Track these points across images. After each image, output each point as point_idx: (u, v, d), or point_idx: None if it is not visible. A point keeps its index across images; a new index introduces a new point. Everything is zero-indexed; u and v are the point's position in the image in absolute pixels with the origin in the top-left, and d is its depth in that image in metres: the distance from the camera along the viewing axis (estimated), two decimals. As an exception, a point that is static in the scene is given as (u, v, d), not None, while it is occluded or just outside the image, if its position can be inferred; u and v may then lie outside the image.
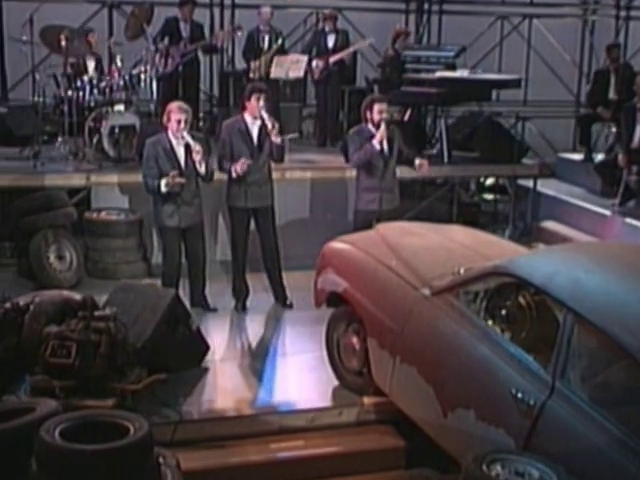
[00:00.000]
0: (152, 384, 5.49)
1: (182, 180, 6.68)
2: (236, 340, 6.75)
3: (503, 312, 4.86)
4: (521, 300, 4.84)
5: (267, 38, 10.37)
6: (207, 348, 6.21)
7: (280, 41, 10.30)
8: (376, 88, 10.58)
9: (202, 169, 6.80)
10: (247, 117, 7.08)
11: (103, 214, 8.29)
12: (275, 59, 9.87)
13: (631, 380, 4.03)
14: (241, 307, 7.32)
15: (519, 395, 4.29)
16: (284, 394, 5.76)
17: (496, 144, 10.23)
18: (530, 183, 10.16)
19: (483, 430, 4.50)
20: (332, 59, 10.32)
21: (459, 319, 4.79)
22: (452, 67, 10.69)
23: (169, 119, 6.74)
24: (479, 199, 11.11)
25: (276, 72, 9.91)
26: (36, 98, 9.38)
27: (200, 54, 10.49)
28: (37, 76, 9.35)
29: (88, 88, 9.15)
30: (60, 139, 9.22)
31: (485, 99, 10.59)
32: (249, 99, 7.05)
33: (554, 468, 3.84)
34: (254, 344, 6.70)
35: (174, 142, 6.77)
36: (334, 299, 5.79)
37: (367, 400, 5.59)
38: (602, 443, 3.91)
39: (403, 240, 5.76)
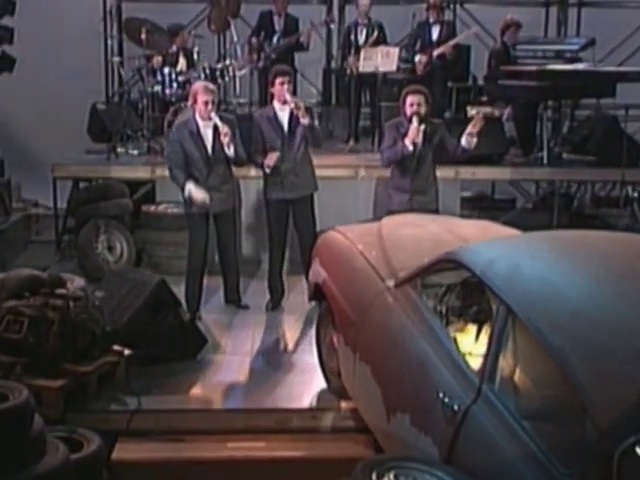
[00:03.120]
0: (126, 370, 5.49)
1: (206, 198, 6.62)
2: (248, 338, 6.56)
3: (458, 306, 4.43)
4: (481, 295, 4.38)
5: (364, 32, 10.19)
6: (204, 341, 6.13)
7: (376, 33, 10.06)
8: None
9: (231, 151, 6.69)
10: (275, 104, 6.98)
11: (161, 207, 8.43)
12: (362, 52, 9.66)
13: (553, 387, 3.54)
14: (272, 306, 7.17)
15: (446, 399, 3.88)
16: (260, 392, 5.57)
17: (612, 147, 9.43)
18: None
19: (415, 438, 4.11)
20: (435, 52, 9.96)
21: (410, 312, 4.42)
22: (576, 62, 10.04)
23: (195, 101, 6.73)
24: (595, 210, 10.29)
25: (365, 66, 9.66)
26: (126, 93, 9.80)
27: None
28: (122, 72, 9.73)
29: (168, 82, 9.39)
30: (139, 134, 9.52)
31: (605, 95, 9.79)
32: (273, 84, 6.96)
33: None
34: (264, 343, 6.54)
35: (201, 124, 6.72)
36: (320, 293, 5.53)
37: (345, 405, 5.27)
38: (517, 459, 3.44)
39: (397, 231, 5.42)
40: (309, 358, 5.88)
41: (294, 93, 7.04)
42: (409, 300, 4.49)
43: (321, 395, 5.51)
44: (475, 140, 6.71)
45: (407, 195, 6.77)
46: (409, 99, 6.67)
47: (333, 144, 10.16)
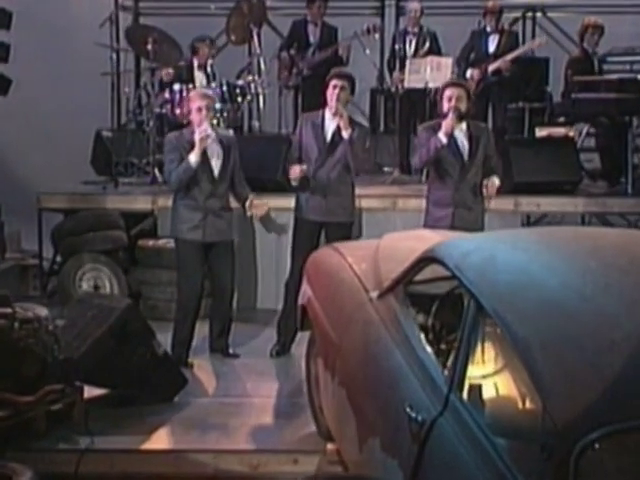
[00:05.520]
0: (84, 409, 5.83)
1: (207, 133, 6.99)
2: (238, 382, 6.93)
3: (443, 316, 4.66)
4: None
5: (414, 42, 10.53)
6: (183, 382, 6.44)
7: (427, 44, 10.39)
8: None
9: None
10: (327, 111, 7.35)
11: (161, 242, 8.83)
12: (408, 64, 9.98)
13: (521, 389, 3.75)
14: (278, 350, 7.45)
15: (412, 413, 4.09)
16: (236, 434, 5.85)
17: None
18: None
19: (382, 465, 4.32)
20: (490, 67, 10.22)
21: (389, 324, 4.67)
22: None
23: (189, 110, 7.19)
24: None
25: (411, 80, 9.99)
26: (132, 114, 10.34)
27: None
28: (126, 89, 10.29)
29: (178, 100, 9.79)
30: (144, 161, 10.01)
31: None
32: (327, 86, 7.34)
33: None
34: (255, 388, 6.85)
35: (197, 137, 7.09)
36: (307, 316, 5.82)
37: (331, 447, 5.49)
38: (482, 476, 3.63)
39: (395, 244, 5.69)
40: (301, 401, 6.16)
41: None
42: (390, 310, 4.73)
43: (307, 438, 5.74)
44: (492, 202, 7.25)
45: (448, 210, 7.03)
46: (447, 92, 7.01)
47: (376, 177, 10.40)
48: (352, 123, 7.28)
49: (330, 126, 7.29)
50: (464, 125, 7.05)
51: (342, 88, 7.24)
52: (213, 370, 7.17)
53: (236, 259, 7.44)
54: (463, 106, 6.99)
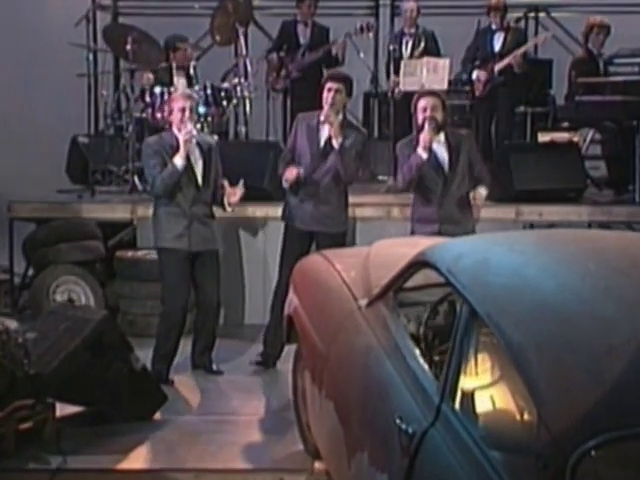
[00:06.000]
0: (57, 427, 5.88)
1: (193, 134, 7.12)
2: (222, 399, 7.00)
3: (437, 324, 4.73)
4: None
5: (410, 43, 10.61)
6: (163, 398, 6.50)
7: (423, 45, 10.47)
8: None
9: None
10: (322, 113, 7.37)
11: (140, 253, 8.88)
12: (403, 65, 10.04)
13: (514, 397, 3.80)
14: (262, 362, 7.54)
15: (402, 425, 4.15)
16: (218, 453, 5.90)
17: None
18: None
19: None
20: (497, 67, 10.27)
21: (379, 332, 4.72)
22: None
23: (171, 110, 7.27)
24: None
25: (406, 83, 10.01)
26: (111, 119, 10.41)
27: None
28: (104, 92, 10.35)
29: (159, 104, 9.83)
30: (123, 169, 10.06)
31: None
32: (323, 89, 7.40)
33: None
34: (241, 405, 6.91)
35: (181, 139, 7.18)
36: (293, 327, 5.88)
37: (318, 465, 5.55)
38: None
39: (387, 250, 5.76)
40: (287, 418, 6.23)
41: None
42: (379, 319, 4.80)
43: (294, 456, 5.81)
44: (479, 214, 7.24)
45: (434, 226, 7.05)
46: (421, 102, 7.06)
47: (370, 185, 10.48)
48: (344, 130, 7.30)
49: (324, 131, 7.36)
50: (442, 136, 7.08)
51: (337, 91, 7.29)
52: (195, 387, 7.23)
53: (221, 271, 7.47)
54: (439, 116, 7.01)
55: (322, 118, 7.24)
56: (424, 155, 6.93)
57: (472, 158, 7.15)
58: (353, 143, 7.34)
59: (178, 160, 7.05)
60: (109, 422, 6.29)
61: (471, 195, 7.09)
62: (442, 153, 7.08)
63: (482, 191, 7.11)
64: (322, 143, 7.35)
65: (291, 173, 7.29)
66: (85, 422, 6.32)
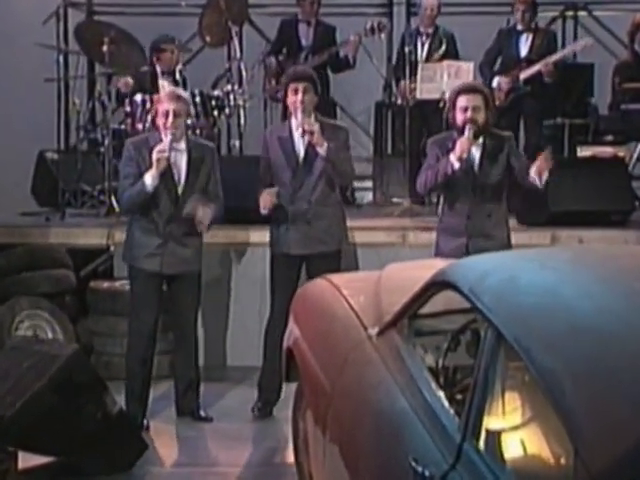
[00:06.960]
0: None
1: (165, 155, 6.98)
2: (208, 449, 7.03)
3: (458, 354, 4.73)
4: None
5: (427, 44, 10.66)
6: (143, 447, 6.48)
7: (444, 48, 10.49)
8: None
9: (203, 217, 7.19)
10: (293, 122, 7.35)
11: (117, 284, 8.85)
12: (420, 69, 10.07)
13: (548, 431, 3.80)
14: (260, 409, 7.49)
15: (418, 467, 4.14)
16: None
17: None
18: None
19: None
20: (523, 75, 10.28)
21: (391, 364, 4.73)
22: None
23: (156, 113, 7.25)
24: None
25: (424, 90, 10.05)
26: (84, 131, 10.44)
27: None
28: (76, 100, 10.37)
29: (140, 114, 9.84)
30: (98, 188, 10.08)
31: None
32: (286, 93, 7.34)
33: None
34: (231, 455, 6.90)
35: (154, 156, 7.13)
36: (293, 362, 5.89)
37: (321, 521, 5.53)
38: None
39: (400, 274, 5.78)
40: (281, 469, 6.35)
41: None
42: (392, 349, 4.80)
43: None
44: (545, 176, 6.95)
45: (461, 239, 7.04)
46: (461, 101, 6.93)
47: (383, 208, 10.50)
48: (324, 133, 7.19)
49: (301, 140, 7.29)
50: (480, 139, 7.00)
51: (305, 91, 7.20)
52: (178, 434, 7.25)
53: (205, 303, 7.49)
54: (481, 117, 6.91)
55: (299, 130, 7.15)
56: (456, 164, 6.84)
57: (513, 162, 7.04)
58: (338, 144, 7.31)
59: (148, 180, 6.99)
60: (80, 475, 6.28)
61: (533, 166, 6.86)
62: (476, 157, 7.00)
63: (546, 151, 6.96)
64: (302, 154, 7.31)
65: (265, 201, 7.24)
66: (51, 474, 6.30)
